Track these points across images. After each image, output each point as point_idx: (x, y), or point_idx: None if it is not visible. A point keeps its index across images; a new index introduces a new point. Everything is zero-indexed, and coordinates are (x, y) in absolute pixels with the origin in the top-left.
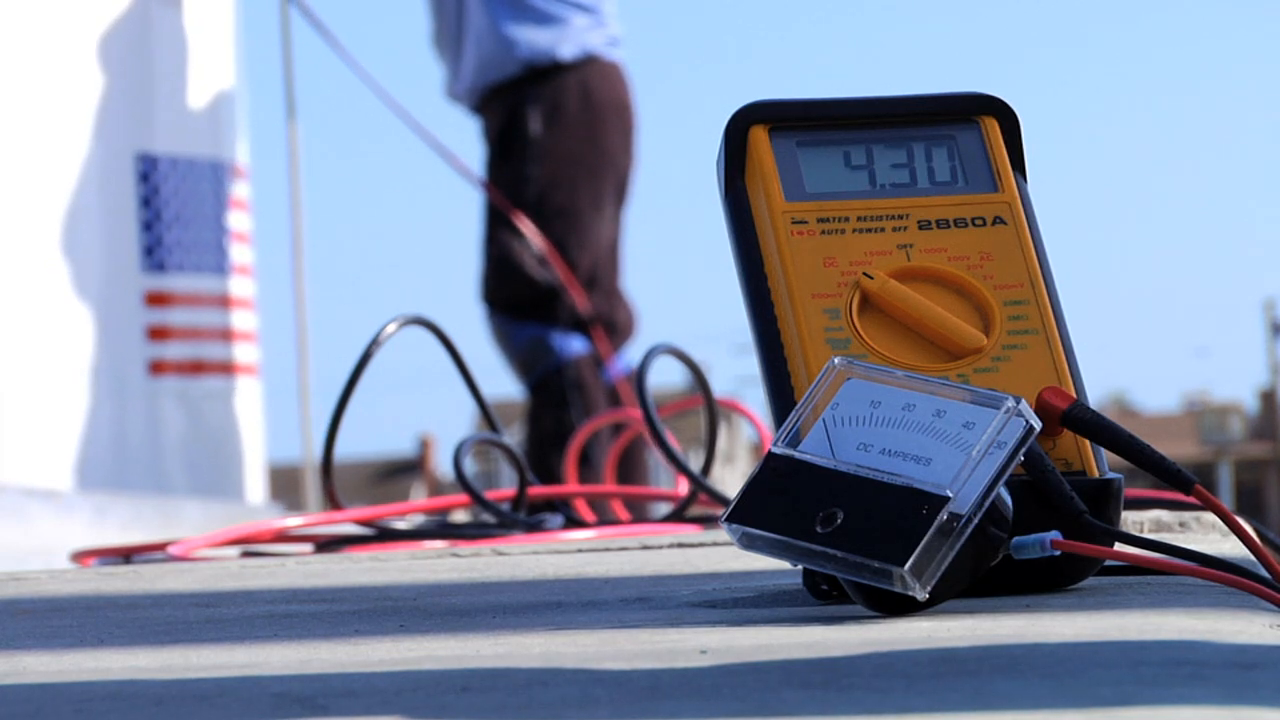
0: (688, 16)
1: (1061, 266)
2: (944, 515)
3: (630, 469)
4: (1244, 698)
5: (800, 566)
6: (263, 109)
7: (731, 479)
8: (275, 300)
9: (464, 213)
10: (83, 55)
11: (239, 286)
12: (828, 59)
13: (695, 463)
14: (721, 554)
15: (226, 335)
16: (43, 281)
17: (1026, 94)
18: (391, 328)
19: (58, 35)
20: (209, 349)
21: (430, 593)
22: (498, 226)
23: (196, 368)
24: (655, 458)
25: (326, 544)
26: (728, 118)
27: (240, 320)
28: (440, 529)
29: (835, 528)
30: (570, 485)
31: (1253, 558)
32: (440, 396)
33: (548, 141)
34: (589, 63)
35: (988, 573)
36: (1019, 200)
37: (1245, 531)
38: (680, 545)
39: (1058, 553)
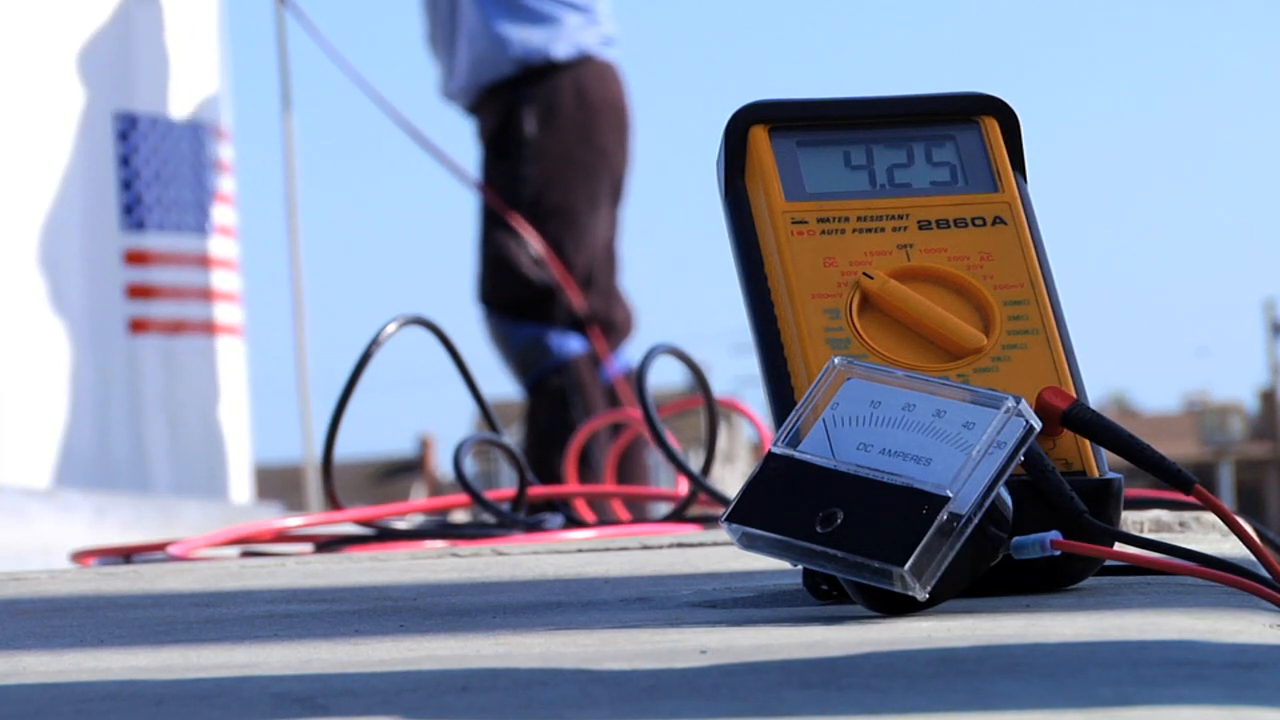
0: (682, 15)
1: (1061, 266)
2: (944, 515)
3: (630, 469)
4: (1244, 698)
5: (800, 566)
6: (259, 108)
7: (731, 479)
8: (274, 300)
9: (460, 213)
10: (62, 14)
11: (221, 247)
12: (827, 59)
13: (695, 463)
14: (721, 554)
15: (207, 295)
16: (20, 238)
17: (1026, 94)
18: (391, 327)
19: None
20: (190, 308)
21: (430, 593)
22: (493, 227)
23: (177, 326)
24: (655, 458)
25: (326, 544)
26: (728, 118)
27: (222, 280)
28: (440, 529)
29: (835, 528)
30: (570, 485)
31: (1253, 558)
32: (440, 396)
33: (543, 141)
34: (583, 62)
35: (988, 573)
36: (1019, 200)
37: (1245, 531)
38: (680, 545)
39: (1058, 553)
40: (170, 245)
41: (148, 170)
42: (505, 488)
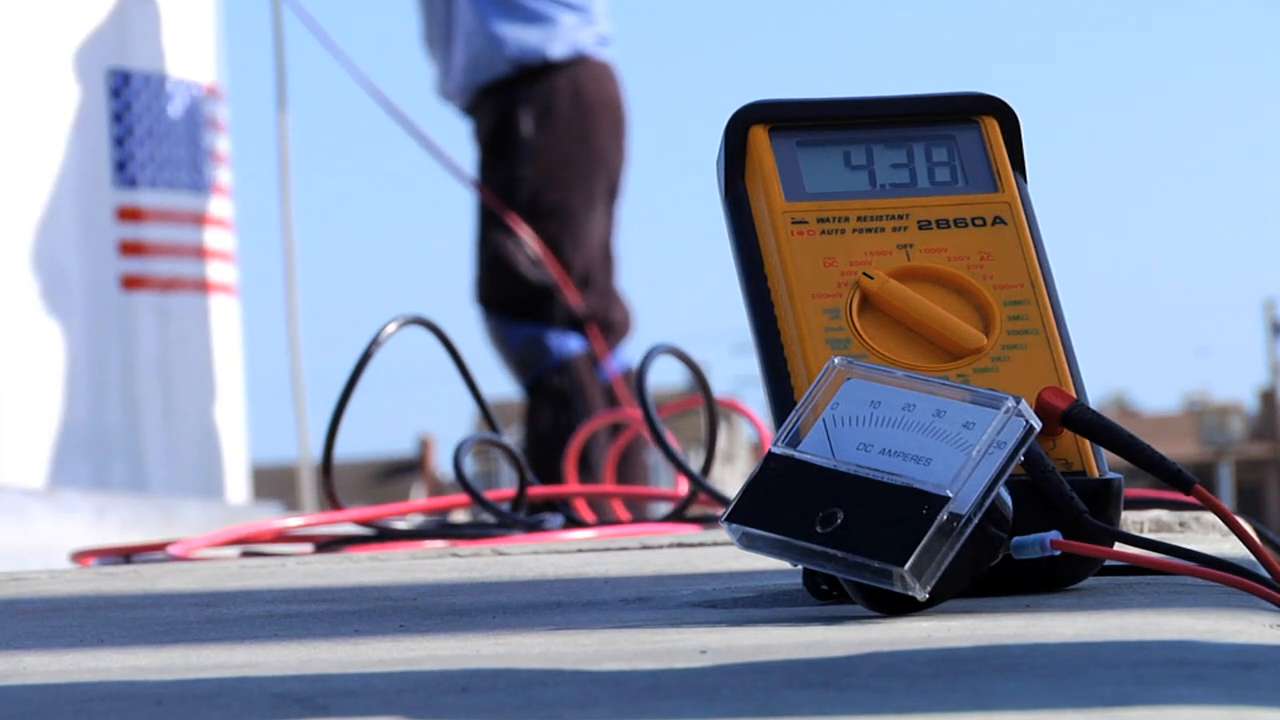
0: (680, 14)
1: (1061, 266)
2: (944, 515)
3: (630, 469)
4: (1244, 698)
5: (800, 566)
6: (255, 106)
7: (731, 479)
8: (272, 300)
9: (458, 213)
10: None
11: (215, 205)
12: (828, 59)
13: (695, 463)
14: (721, 554)
15: (201, 252)
16: (12, 193)
17: (1027, 94)
18: (391, 327)
19: None
20: (184, 265)
21: (430, 593)
22: (491, 227)
23: (171, 284)
24: (655, 458)
25: (326, 544)
26: (727, 117)
27: (216, 239)
28: (440, 529)
29: (835, 528)
30: (570, 485)
31: (1253, 558)
32: (440, 396)
33: (539, 142)
34: (579, 62)
35: (988, 573)
36: (1019, 200)
37: (1245, 531)
38: (680, 545)
39: (1058, 553)
40: (163, 202)
41: (140, 127)
42: (505, 488)
